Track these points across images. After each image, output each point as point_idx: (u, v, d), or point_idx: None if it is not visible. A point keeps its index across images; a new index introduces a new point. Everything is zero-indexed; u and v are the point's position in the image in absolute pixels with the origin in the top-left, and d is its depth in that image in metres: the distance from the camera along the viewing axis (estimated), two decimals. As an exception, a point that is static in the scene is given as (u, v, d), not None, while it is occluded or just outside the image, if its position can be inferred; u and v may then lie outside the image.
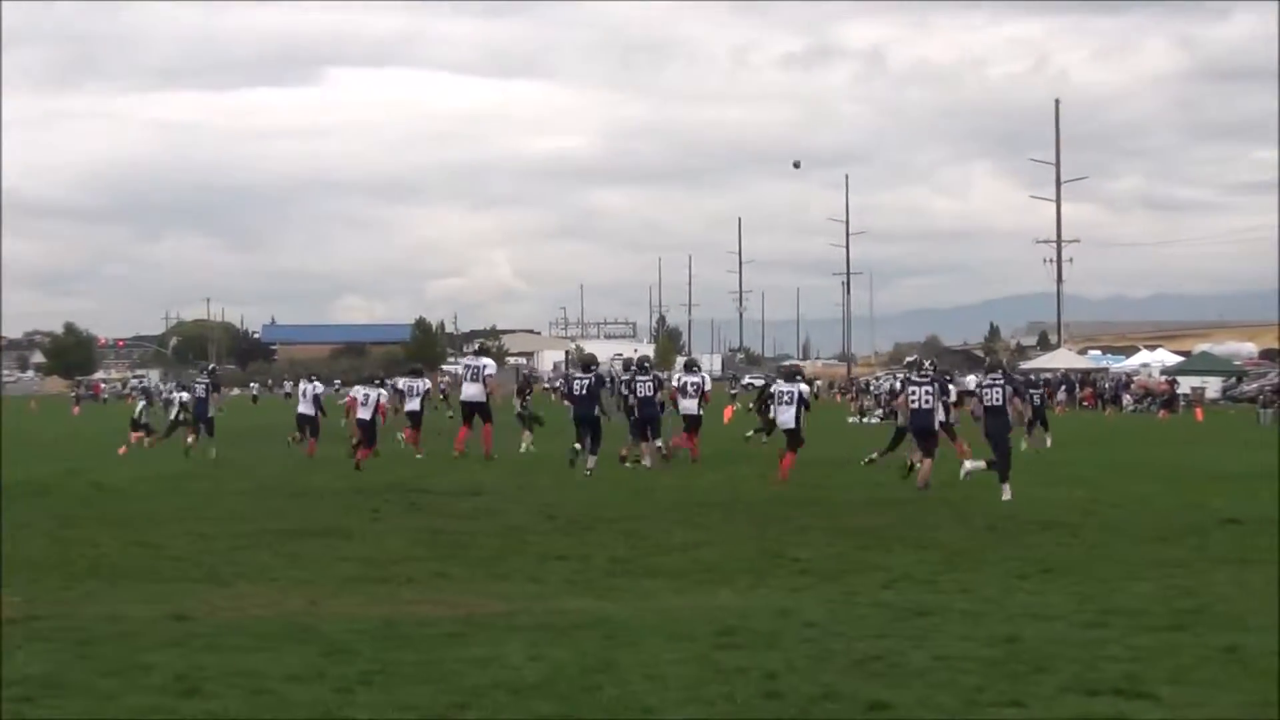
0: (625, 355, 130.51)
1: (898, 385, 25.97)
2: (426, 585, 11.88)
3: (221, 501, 19.56)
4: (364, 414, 27.48)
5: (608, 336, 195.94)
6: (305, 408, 31.17)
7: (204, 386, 31.18)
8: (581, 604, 10.79)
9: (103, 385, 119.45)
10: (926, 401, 22.13)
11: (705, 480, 22.66)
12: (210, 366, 33.54)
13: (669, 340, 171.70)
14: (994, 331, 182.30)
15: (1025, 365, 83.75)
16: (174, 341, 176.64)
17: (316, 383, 32.12)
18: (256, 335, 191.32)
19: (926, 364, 24.18)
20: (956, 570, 12.58)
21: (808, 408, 23.84)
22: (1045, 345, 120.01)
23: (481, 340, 31.45)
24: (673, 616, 10.14)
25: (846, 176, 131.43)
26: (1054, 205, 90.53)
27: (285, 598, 11.16)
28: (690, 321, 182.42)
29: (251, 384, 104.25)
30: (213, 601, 10.94)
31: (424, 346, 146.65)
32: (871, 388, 68.33)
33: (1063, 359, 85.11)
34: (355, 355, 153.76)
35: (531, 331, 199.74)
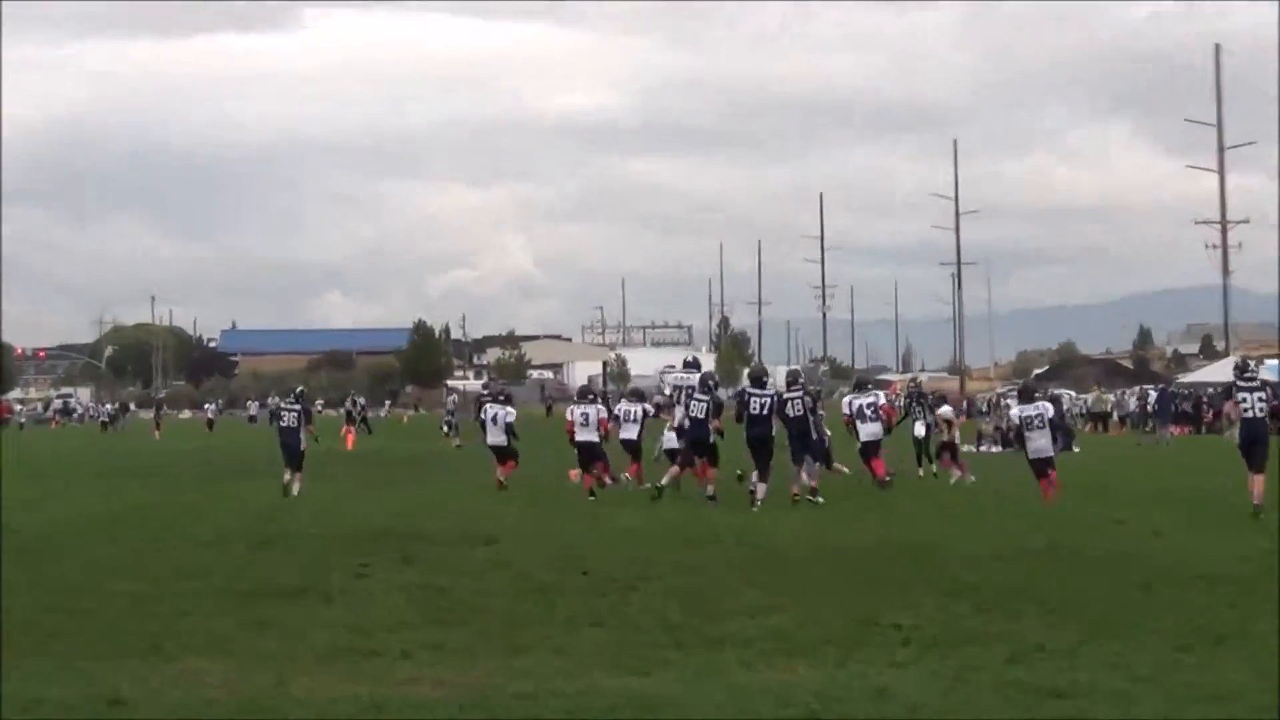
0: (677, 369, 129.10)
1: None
2: (426, 659, 11.84)
3: (169, 553, 19.60)
4: (587, 435, 29.30)
5: (655, 344, 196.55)
6: (496, 438, 31.57)
7: (295, 414, 31.60)
8: (622, 683, 10.72)
9: (17, 406, 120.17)
10: (1260, 409, 24.16)
11: (780, 524, 22.59)
12: (299, 389, 33.84)
13: (734, 347, 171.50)
14: (1144, 335, 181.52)
15: (1187, 379, 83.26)
16: (109, 351, 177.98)
17: (509, 407, 32.28)
18: (213, 343, 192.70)
19: (1251, 364, 26.48)
20: (1102, 639, 12.45)
21: (1056, 431, 26.59)
22: (1210, 353, 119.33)
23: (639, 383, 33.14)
24: (739, 697, 10.07)
25: (955, 142, 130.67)
26: (1216, 177, 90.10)
27: (247, 675, 11.13)
28: (760, 323, 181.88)
29: (206, 404, 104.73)
30: (155, 681, 10.92)
31: (424, 356, 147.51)
32: (994, 409, 67.82)
33: (1231, 371, 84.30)
34: (338, 368, 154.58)
35: (559, 338, 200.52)
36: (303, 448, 31.29)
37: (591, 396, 31.23)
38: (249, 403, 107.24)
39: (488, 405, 32.58)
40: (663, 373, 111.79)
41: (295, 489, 30.22)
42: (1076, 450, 50.56)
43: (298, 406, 31.85)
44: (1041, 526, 21.84)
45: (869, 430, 30.13)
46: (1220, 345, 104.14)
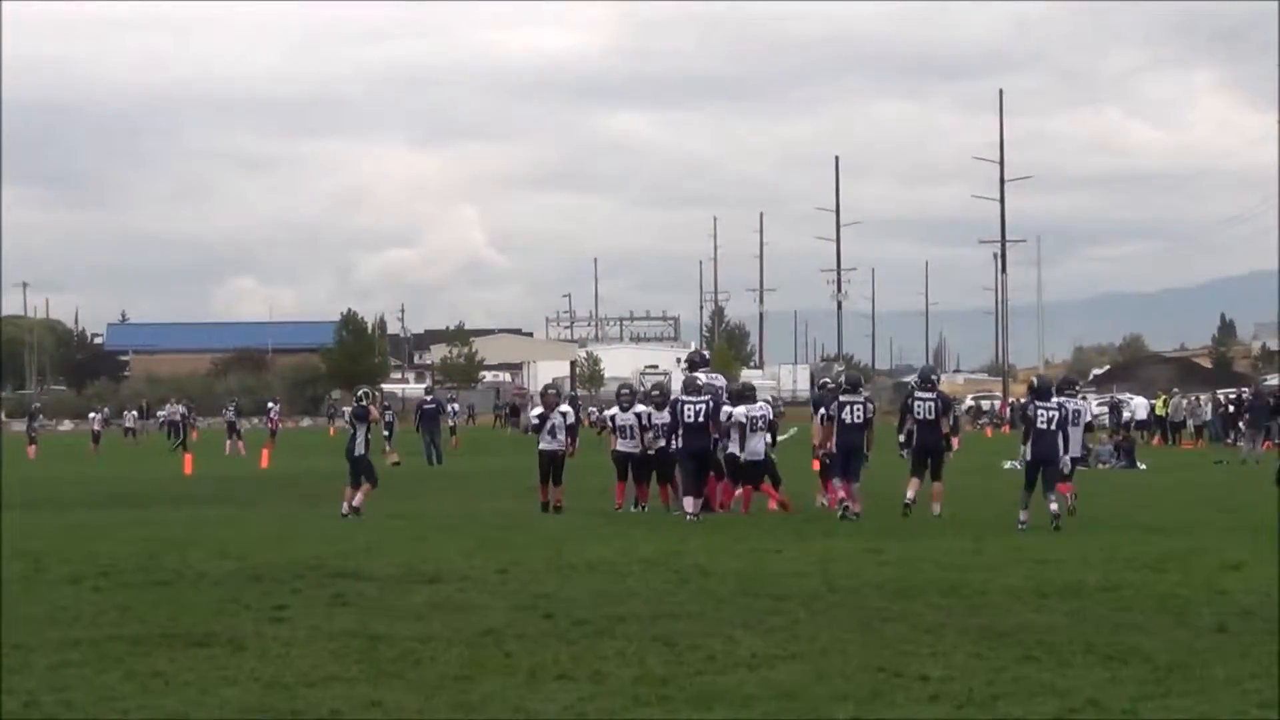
0: (660, 369, 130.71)
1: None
2: (358, 719, 11.88)
3: (44, 593, 19.52)
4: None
5: (636, 338, 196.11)
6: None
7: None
8: (593, 747, 10.88)
9: None
10: None
11: (782, 557, 22.59)
12: (362, 391, 34.61)
13: (729, 344, 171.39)
14: (1227, 327, 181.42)
15: (1277, 380, 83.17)
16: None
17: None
18: (99, 339, 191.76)
19: None
20: (1169, 694, 12.51)
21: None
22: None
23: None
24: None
25: (1000, 93, 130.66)
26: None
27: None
28: (761, 314, 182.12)
29: (92, 413, 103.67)
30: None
31: (354, 355, 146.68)
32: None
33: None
34: (250, 369, 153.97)
35: (519, 332, 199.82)
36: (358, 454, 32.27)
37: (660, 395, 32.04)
38: (125, 413, 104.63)
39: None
40: (643, 374, 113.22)
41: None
42: (1142, 467, 50.76)
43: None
44: (1093, 558, 21.90)
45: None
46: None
